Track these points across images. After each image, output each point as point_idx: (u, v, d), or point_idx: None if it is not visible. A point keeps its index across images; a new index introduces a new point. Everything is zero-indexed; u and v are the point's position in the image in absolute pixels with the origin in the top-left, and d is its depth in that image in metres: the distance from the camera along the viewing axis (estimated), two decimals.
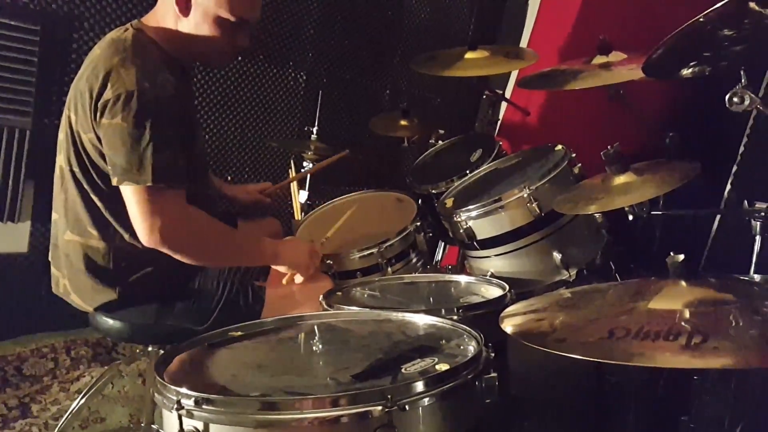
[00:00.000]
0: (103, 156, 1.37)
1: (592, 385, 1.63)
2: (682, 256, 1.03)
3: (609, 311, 1.05)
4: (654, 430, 1.56)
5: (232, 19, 1.42)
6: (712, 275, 1.08)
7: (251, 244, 1.57)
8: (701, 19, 1.01)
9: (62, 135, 1.47)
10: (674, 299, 0.98)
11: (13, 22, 2.06)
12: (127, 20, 2.24)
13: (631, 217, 1.47)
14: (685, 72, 1.34)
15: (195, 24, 1.42)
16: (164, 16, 1.44)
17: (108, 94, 1.31)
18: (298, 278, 1.58)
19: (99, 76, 1.34)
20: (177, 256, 1.37)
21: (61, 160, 1.47)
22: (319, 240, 1.73)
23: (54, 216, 1.51)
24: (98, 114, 1.33)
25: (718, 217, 1.77)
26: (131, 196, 1.32)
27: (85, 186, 1.41)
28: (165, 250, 1.35)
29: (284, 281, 1.57)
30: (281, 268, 1.57)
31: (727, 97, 1.28)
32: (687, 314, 0.93)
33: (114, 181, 1.34)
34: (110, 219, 1.42)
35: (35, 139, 2.18)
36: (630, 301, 1.04)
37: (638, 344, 0.86)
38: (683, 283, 1.01)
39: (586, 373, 1.62)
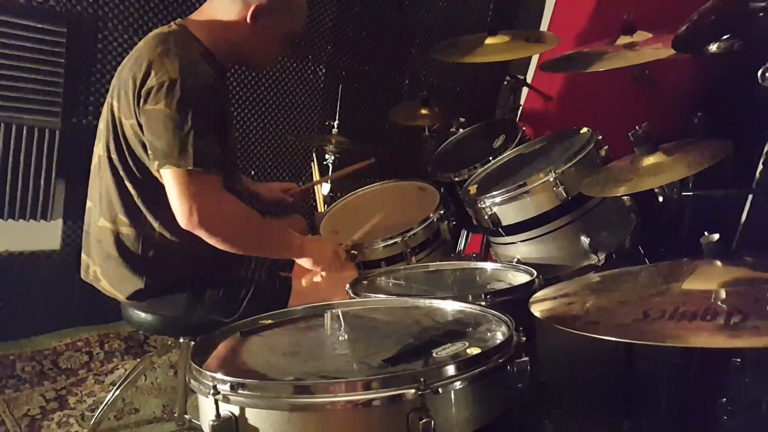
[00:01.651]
0: (142, 144, 1.40)
1: (623, 370, 1.61)
2: (716, 236, 1.01)
3: (642, 293, 1.03)
4: (687, 414, 1.54)
5: (297, 31, 1.57)
6: (747, 254, 1.05)
7: (281, 235, 1.60)
8: None
9: (102, 124, 1.50)
10: (709, 279, 0.96)
11: (40, 25, 2.09)
12: (150, 21, 2.32)
13: (661, 199, 1.43)
14: (714, 48, 1.30)
15: (259, 32, 1.49)
16: (218, 15, 1.49)
17: (152, 81, 1.35)
18: (318, 277, 1.59)
19: (143, 65, 1.37)
20: (212, 241, 1.39)
21: (99, 149, 1.50)
22: (345, 240, 1.73)
23: (88, 204, 1.55)
24: (141, 100, 1.36)
25: (750, 197, 1.72)
26: (171, 179, 1.35)
27: (121, 173, 1.45)
28: (201, 233, 1.37)
29: (304, 282, 1.58)
30: (305, 263, 1.58)
31: (759, 72, 1.24)
32: (723, 294, 0.91)
33: (155, 165, 1.37)
34: (142, 207, 1.45)
35: (65, 139, 2.22)
36: (663, 283, 1.03)
37: (674, 325, 0.84)
38: (718, 262, 0.99)
39: (616, 358, 1.59)
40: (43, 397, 2.05)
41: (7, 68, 2.07)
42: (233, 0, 1.49)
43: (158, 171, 1.38)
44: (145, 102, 1.35)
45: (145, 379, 2.16)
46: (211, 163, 1.35)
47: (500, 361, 0.92)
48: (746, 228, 1.83)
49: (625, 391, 1.65)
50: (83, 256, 1.58)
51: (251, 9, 1.47)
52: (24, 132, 2.15)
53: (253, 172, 2.82)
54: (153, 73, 1.35)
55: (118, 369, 2.24)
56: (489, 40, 2.27)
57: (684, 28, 1.14)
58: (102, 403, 1.87)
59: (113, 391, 1.86)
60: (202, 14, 1.53)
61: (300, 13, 1.58)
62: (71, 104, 2.23)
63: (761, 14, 1.15)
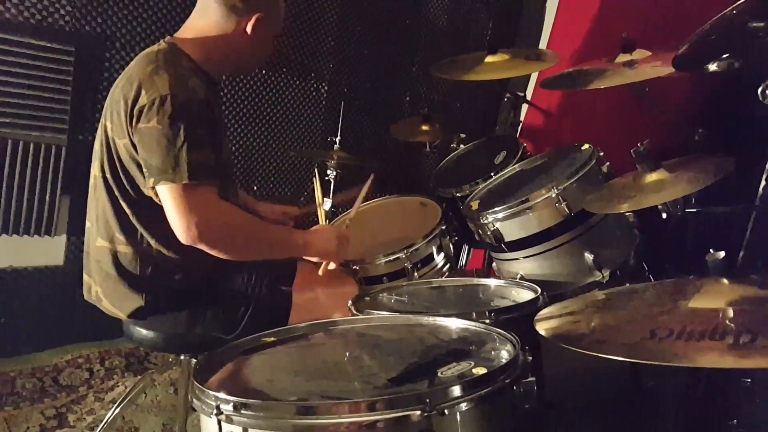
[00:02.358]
0: (136, 163, 1.41)
1: (629, 390, 1.60)
2: (722, 253, 1.00)
3: (648, 311, 1.03)
4: None
5: (281, 31, 1.61)
6: (754, 272, 1.05)
7: (283, 235, 1.59)
8: (733, 11, 0.99)
9: (97, 144, 1.51)
10: (716, 297, 0.95)
11: (49, 44, 2.12)
12: (156, 39, 2.32)
13: (665, 215, 1.43)
14: (714, 66, 1.32)
15: (255, 40, 1.52)
16: (211, 32, 1.51)
17: (143, 99, 1.36)
18: (332, 265, 1.57)
19: (133, 84, 1.39)
20: (214, 252, 1.38)
21: (95, 168, 1.51)
22: (343, 222, 1.73)
23: (87, 224, 1.56)
24: (134, 119, 1.37)
25: (754, 213, 1.72)
26: (167, 195, 1.35)
27: (116, 192, 1.45)
28: (202, 246, 1.36)
29: (320, 272, 1.57)
30: (312, 258, 1.57)
31: (759, 89, 1.25)
32: (731, 313, 0.90)
33: (150, 183, 1.37)
34: (137, 225, 1.45)
35: (70, 156, 2.23)
36: (670, 301, 1.02)
37: (683, 344, 0.84)
38: (725, 280, 0.98)
39: (623, 378, 1.58)
40: (43, 414, 2.03)
41: (15, 86, 2.09)
42: (227, 16, 1.49)
43: (153, 188, 1.38)
44: (138, 121, 1.36)
45: (146, 397, 2.14)
46: (205, 174, 1.35)
47: (506, 381, 0.91)
48: (750, 244, 1.82)
49: (632, 411, 1.63)
50: (85, 276, 1.57)
51: (252, 20, 1.49)
52: (31, 148, 2.16)
53: (255, 187, 2.82)
54: (144, 91, 1.36)
55: (118, 386, 2.23)
56: (489, 59, 2.29)
57: (684, 47, 1.15)
58: (102, 421, 1.84)
59: (113, 409, 1.84)
60: (189, 31, 1.53)
61: (283, 16, 1.62)
62: (78, 122, 2.24)
63: (760, 33, 1.16)
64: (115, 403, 1.87)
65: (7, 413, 2.02)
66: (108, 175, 1.45)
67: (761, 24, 1.15)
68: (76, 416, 2.05)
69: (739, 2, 1.03)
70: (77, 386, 2.21)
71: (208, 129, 1.40)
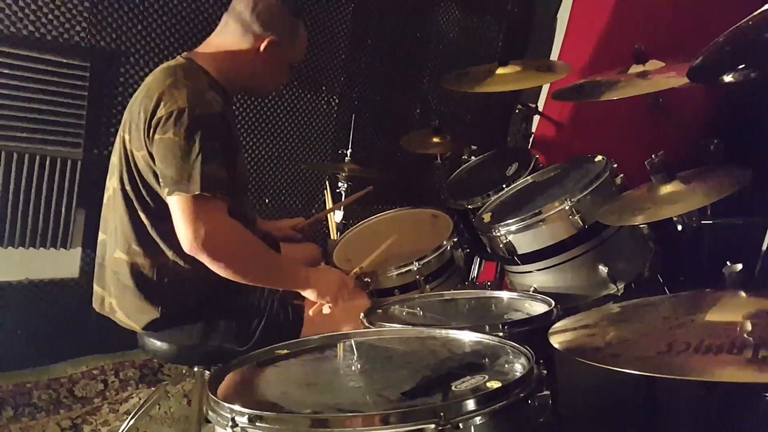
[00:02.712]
0: (154, 173, 1.43)
1: (644, 404, 1.57)
2: (739, 266, 0.99)
3: (664, 325, 1.02)
4: None
5: (299, 60, 1.65)
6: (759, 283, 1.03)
7: (286, 265, 1.59)
8: (749, 22, 0.99)
9: (115, 158, 1.54)
10: (733, 311, 0.94)
11: (64, 60, 2.17)
12: (170, 55, 2.39)
13: (680, 228, 1.42)
14: (729, 77, 1.31)
15: (267, 62, 1.56)
16: (228, 46, 1.56)
17: (161, 111, 1.38)
18: (326, 309, 1.55)
19: (152, 97, 1.41)
20: (214, 267, 1.39)
21: (113, 182, 1.53)
22: (353, 267, 1.70)
23: (101, 237, 1.57)
24: (151, 131, 1.40)
25: None
26: (177, 205, 1.37)
27: (135, 204, 1.47)
28: (204, 258, 1.37)
29: (311, 312, 1.56)
30: (309, 295, 1.55)
31: None
32: (749, 326, 0.89)
33: (164, 193, 1.39)
34: (155, 237, 1.46)
35: (86, 170, 2.27)
36: (686, 314, 1.01)
37: (700, 358, 0.83)
38: (742, 293, 0.97)
39: (637, 391, 1.56)
40: (59, 425, 2.05)
41: (32, 101, 2.13)
42: (244, 32, 1.54)
43: (168, 198, 1.40)
44: (155, 132, 1.39)
45: (159, 408, 2.15)
46: (217, 188, 1.37)
47: (521, 395, 0.90)
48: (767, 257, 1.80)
49: (646, 426, 1.60)
50: (96, 287, 1.59)
51: (265, 42, 1.54)
52: (47, 163, 2.20)
53: (267, 200, 2.85)
54: (162, 103, 1.39)
55: (132, 398, 2.24)
56: (500, 70, 2.30)
57: (699, 59, 1.15)
58: None
59: (127, 420, 1.84)
60: (208, 47, 1.58)
61: (301, 45, 1.65)
62: (93, 136, 2.28)
63: None
64: (130, 414, 1.87)
65: (23, 424, 2.04)
66: (127, 187, 1.47)
67: None
68: (91, 427, 2.07)
69: (755, 13, 1.02)
70: (92, 397, 2.23)
71: (223, 143, 1.42)
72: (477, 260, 2.42)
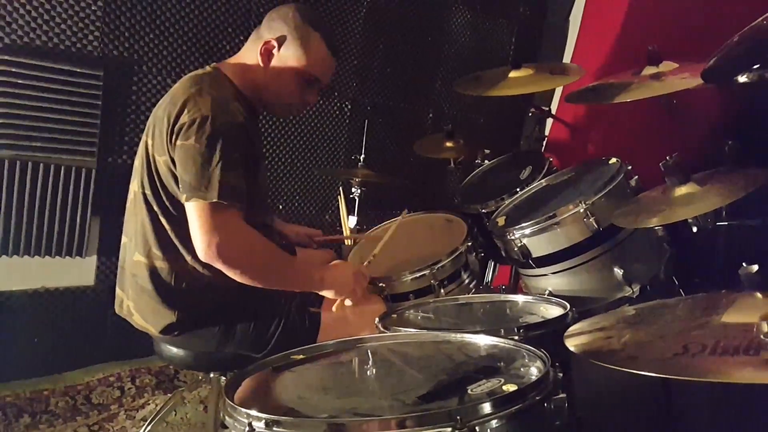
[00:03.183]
0: (175, 178, 1.44)
1: (661, 407, 1.56)
2: (756, 267, 0.98)
3: (680, 326, 1.01)
4: None
5: (313, 74, 1.56)
6: None
7: (301, 268, 1.60)
8: (764, 22, 0.98)
9: (138, 162, 1.56)
10: (750, 312, 0.93)
11: (78, 69, 2.19)
12: (182, 63, 2.41)
13: (695, 229, 1.41)
14: (744, 78, 1.30)
15: (273, 75, 1.55)
16: (246, 60, 1.57)
17: (184, 118, 1.40)
18: (348, 302, 1.57)
19: (177, 103, 1.43)
20: (230, 273, 1.40)
21: (135, 185, 1.55)
22: (366, 259, 1.73)
23: (123, 240, 1.60)
24: (174, 136, 1.42)
25: None
26: (194, 211, 1.38)
27: (155, 208, 1.49)
28: (219, 266, 1.39)
29: (334, 308, 1.57)
30: (328, 294, 1.57)
31: None
32: (766, 327, 0.88)
33: (183, 199, 1.41)
34: (175, 241, 1.48)
35: (100, 177, 2.29)
36: (702, 316, 1.00)
37: (716, 360, 0.82)
38: (758, 294, 0.96)
39: (654, 394, 1.54)
40: None
41: (46, 111, 2.15)
42: (255, 41, 1.56)
43: (186, 204, 1.41)
44: (177, 137, 1.41)
45: (175, 415, 2.16)
46: (235, 197, 1.38)
47: (537, 398, 0.90)
48: None
49: (663, 428, 1.59)
50: (117, 290, 1.61)
51: (262, 45, 1.53)
52: (62, 171, 2.23)
53: (281, 206, 2.86)
54: (186, 110, 1.41)
55: (149, 404, 2.25)
56: (513, 74, 2.29)
57: (713, 60, 1.14)
58: None
59: (145, 426, 1.87)
60: (235, 57, 1.60)
61: (318, 56, 1.57)
62: (107, 144, 2.31)
63: None
64: (146, 420, 1.89)
65: (41, 431, 2.06)
66: (147, 192, 1.49)
67: None
68: None
69: None
70: (109, 404, 2.25)
71: (243, 153, 1.43)
72: (491, 264, 2.41)
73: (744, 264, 0.99)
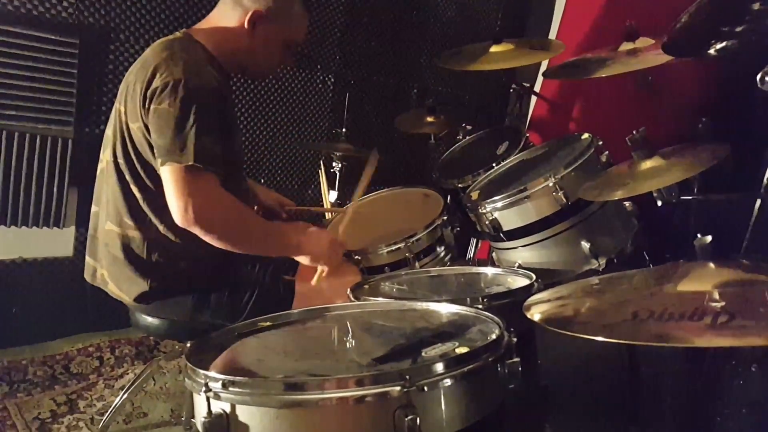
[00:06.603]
0: (149, 145, 1.43)
1: (627, 375, 1.60)
2: (709, 238, 1.01)
3: (635, 295, 1.03)
4: (693, 419, 1.52)
5: (296, 39, 1.59)
6: (746, 257, 1.04)
7: (278, 233, 1.59)
8: None
9: (110, 130, 1.55)
10: (703, 281, 0.96)
11: (53, 36, 2.15)
12: (160, 32, 2.37)
13: (659, 203, 1.43)
14: (713, 51, 1.30)
15: (258, 38, 1.54)
16: (221, 22, 1.55)
17: (157, 82, 1.39)
18: (322, 267, 1.56)
19: (149, 68, 1.42)
20: (207, 238, 1.40)
21: (106, 154, 1.54)
22: (341, 221, 1.73)
23: (93, 209, 1.59)
24: (147, 101, 1.40)
25: (759, 201, 1.70)
26: (169, 175, 1.37)
27: (127, 177, 1.48)
28: (196, 230, 1.38)
29: (313, 281, 1.57)
30: (304, 260, 1.57)
31: (758, 76, 1.24)
32: (716, 295, 0.90)
33: (158, 164, 1.39)
34: (147, 210, 1.48)
35: (77, 147, 2.27)
36: (656, 285, 1.03)
37: (661, 325, 0.85)
38: (711, 264, 0.99)
39: (620, 363, 1.58)
40: (54, 401, 2.09)
41: (21, 78, 2.12)
42: (234, 7, 1.54)
43: (161, 169, 1.40)
44: (151, 102, 1.39)
45: (154, 384, 2.19)
46: (210, 161, 1.37)
47: (489, 359, 0.92)
48: (755, 232, 1.81)
49: (630, 397, 1.63)
50: (87, 258, 1.61)
51: (248, 15, 1.52)
52: (38, 141, 2.21)
53: (262, 180, 2.86)
54: (158, 75, 1.39)
55: (128, 374, 2.27)
56: (494, 48, 2.29)
57: (674, 31, 1.14)
58: (111, 407, 1.90)
59: (122, 394, 1.88)
60: (206, 22, 1.58)
61: (300, 22, 1.60)
62: (84, 114, 2.28)
63: (759, 12, 1.14)
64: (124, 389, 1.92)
65: (19, 399, 2.08)
66: (120, 160, 1.48)
67: (762, 6, 1.14)
68: (86, 402, 2.11)
69: None
70: (88, 374, 2.27)
71: (218, 117, 1.42)
72: (473, 240, 2.43)
73: (698, 235, 1.01)
